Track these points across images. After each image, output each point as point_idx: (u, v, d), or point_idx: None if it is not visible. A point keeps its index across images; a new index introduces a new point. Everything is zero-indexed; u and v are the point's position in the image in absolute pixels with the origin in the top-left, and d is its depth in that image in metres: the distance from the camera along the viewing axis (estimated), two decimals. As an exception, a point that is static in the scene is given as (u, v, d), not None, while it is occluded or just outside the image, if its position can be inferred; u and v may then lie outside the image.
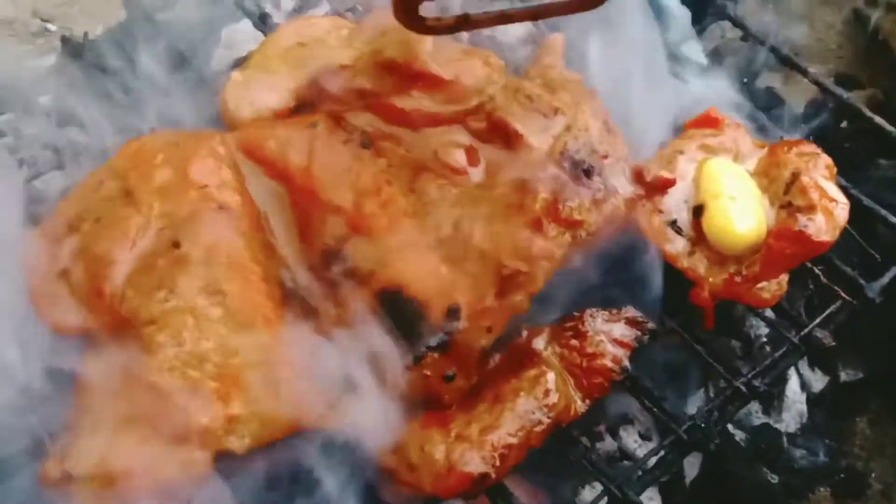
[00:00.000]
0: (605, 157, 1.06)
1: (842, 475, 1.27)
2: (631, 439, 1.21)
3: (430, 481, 0.93)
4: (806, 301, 1.22)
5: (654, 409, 1.04)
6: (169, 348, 0.89)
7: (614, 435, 1.21)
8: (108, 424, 0.87)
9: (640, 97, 1.17)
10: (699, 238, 1.06)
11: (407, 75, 1.06)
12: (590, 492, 1.13)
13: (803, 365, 1.28)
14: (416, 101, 1.07)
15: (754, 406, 1.24)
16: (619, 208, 1.04)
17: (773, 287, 1.05)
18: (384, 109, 1.06)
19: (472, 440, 0.94)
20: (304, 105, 1.08)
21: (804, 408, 1.27)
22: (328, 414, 0.90)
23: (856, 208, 1.11)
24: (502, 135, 1.06)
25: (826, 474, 1.26)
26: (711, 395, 1.20)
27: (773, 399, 1.21)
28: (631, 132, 1.13)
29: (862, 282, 1.12)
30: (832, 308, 1.11)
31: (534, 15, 0.98)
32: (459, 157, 1.04)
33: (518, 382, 0.97)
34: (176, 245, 0.95)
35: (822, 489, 1.26)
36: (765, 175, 1.10)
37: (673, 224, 1.07)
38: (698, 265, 1.06)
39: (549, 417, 0.96)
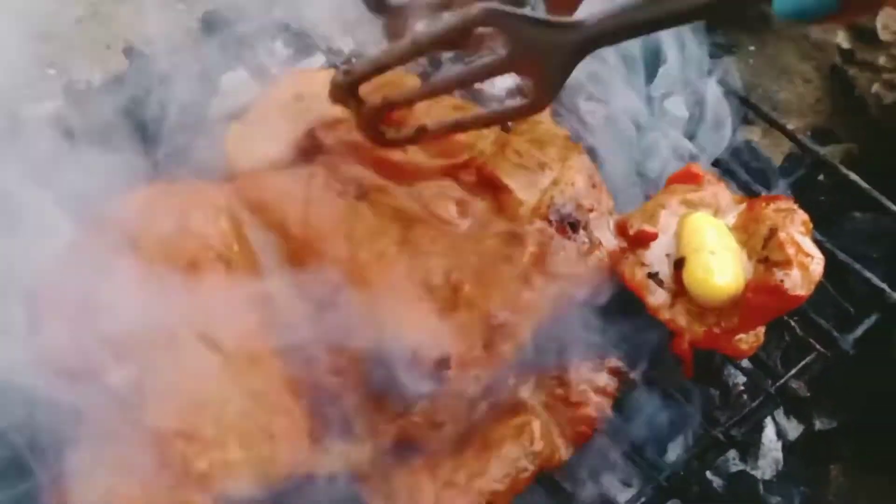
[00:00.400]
0: (591, 210, 1.10)
1: (817, 523, 1.31)
2: (612, 485, 1.23)
3: None
4: (782, 352, 1.25)
5: (635, 457, 1.06)
6: (168, 397, 0.91)
7: (595, 481, 1.24)
8: (108, 465, 0.89)
9: (622, 151, 1.22)
10: (680, 290, 1.10)
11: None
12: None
13: (779, 414, 1.32)
14: (409, 155, 1.11)
15: (731, 453, 1.26)
16: (603, 261, 1.08)
17: (751, 339, 1.09)
18: (378, 162, 1.10)
19: (459, 486, 0.96)
20: (302, 157, 1.11)
21: (780, 455, 1.30)
22: (323, 458, 0.93)
23: (831, 262, 1.15)
24: (491, 188, 1.09)
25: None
26: (690, 442, 1.23)
27: (749, 447, 1.24)
28: (614, 186, 1.17)
29: (836, 334, 1.16)
30: (807, 359, 1.14)
31: (486, 122, 1.06)
32: (451, 210, 1.08)
33: (505, 430, 1.00)
34: (175, 294, 0.97)
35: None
36: (744, 230, 1.13)
37: (655, 276, 1.10)
38: (679, 317, 1.09)
39: (534, 464, 0.99)
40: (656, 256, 1.12)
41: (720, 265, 1.09)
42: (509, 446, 0.99)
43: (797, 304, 1.08)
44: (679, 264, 1.10)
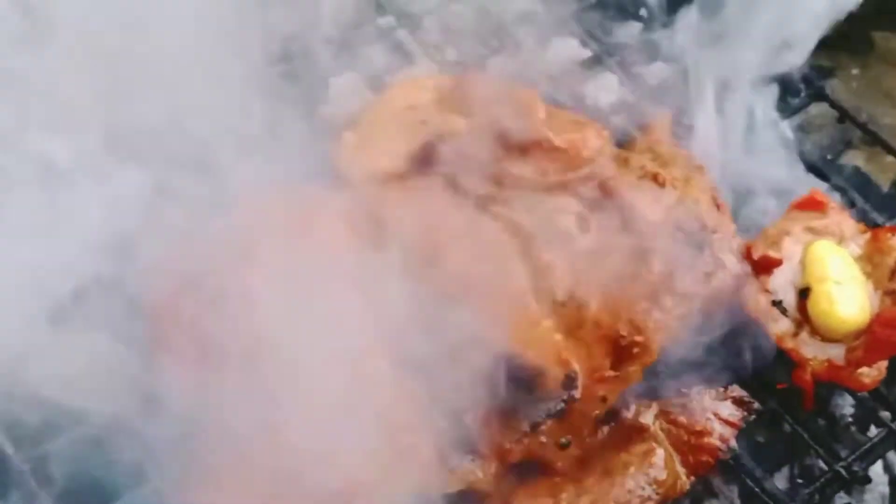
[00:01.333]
0: (714, 231, 1.07)
1: (925, 561, 1.27)
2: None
3: None
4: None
5: (756, 490, 1.04)
6: (295, 415, 0.89)
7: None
8: (235, 486, 0.88)
9: (742, 173, 1.19)
10: (803, 320, 1.07)
11: (522, 143, 1.07)
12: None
13: (887, 446, 1.28)
14: (530, 167, 1.08)
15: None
16: (728, 284, 1.05)
17: (874, 372, 1.06)
18: (498, 174, 1.07)
19: (582, 514, 0.94)
20: (417, 168, 1.09)
21: (886, 490, 1.26)
22: (450, 479, 0.92)
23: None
24: (614, 204, 1.07)
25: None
26: (796, 472, 1.20)
27: (866, 482, 1.21)
28: (736, 208, 1.15)
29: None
30: (930, 396, 1.11)
31: None
32: (571, 223, 1.05)
33: (627, 457, 0.98)
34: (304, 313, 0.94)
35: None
36: (868, 260, 1.12)
37: (778, 304, 1.08)
38: (802, 347, 1.06)
39: (657, 493, 0.97)
40: (780, 284, 1.10)
41: (845, 296, 1.07)
42: (633, 473, 0.97)
43: None
44: (804, 293, 1.08)
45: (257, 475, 0.88)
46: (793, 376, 1.07)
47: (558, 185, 1.08)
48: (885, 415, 1.13)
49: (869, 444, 1.09)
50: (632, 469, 0.97)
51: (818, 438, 1.11)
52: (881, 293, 1.08)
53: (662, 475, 0.97)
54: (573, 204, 1.07)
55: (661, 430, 1.01)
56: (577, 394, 0.95)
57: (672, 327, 1.01)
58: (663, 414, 1.02)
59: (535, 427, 0.95)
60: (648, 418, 1.01)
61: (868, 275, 1.10)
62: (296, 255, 0.99)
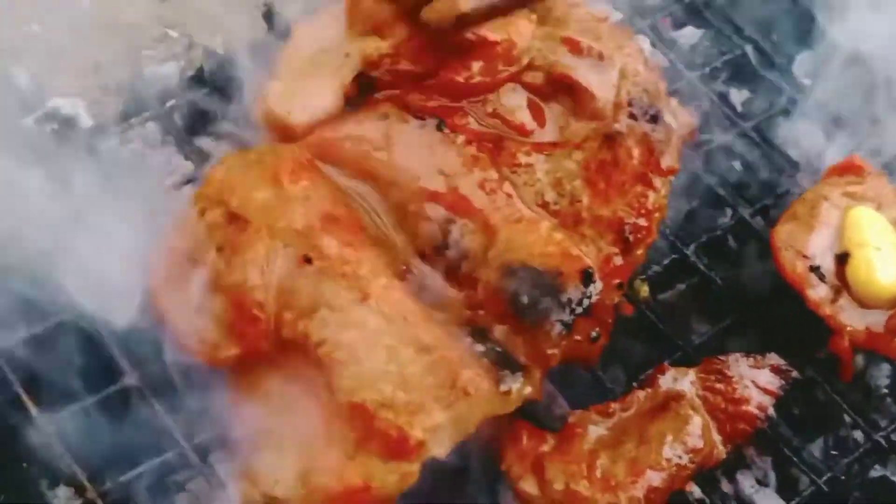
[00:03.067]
0: (658, 97, 1.06)
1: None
2: (748, 484, 1.19)
3: None
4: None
5: (794, 459, 1.02)
6: (352, 366, 0.87)
7: (731, 479, 1.19)
8: (297, 443, 0.87)
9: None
10: (842, 286, 1.05)
11: (453, 47, 1.04)
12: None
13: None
14: (470, 71, 1.04)
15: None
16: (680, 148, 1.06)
17: None
18: (443, 87, 1.04)
19: (618, 480, 0.92)
20: (357, 100, 1.05)
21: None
22: (507, 401, 0.90)
23: None
24: (564, 89, 1.05)
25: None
26: (830, 444, 1.18)
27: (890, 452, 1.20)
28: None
29: None
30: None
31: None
32: (528, 118, 1.03)
33: (663, 424, 0.96)
34: (308, 260, 0.93)
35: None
36: None
37: (816, 270, 1.06)
38: (840, 313, 1.04)
39: (693, 462, 0.95)
40: (818, 250, 1.07)
41: (885, 262, 1.05)
42: (669, 441, 0.95)
43: None
44: (842, 259, 1.05)
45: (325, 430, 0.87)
46: (830, 344, 1.04)
47: (505, 82, 1.04)
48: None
49: (906, 414, 1.07)
50: (668, 437, 0.95)
51: (855, 408, 1.09)
52: None
53: (699, 443, 0.95)
54: (525, 98, 1.04)
55: (698, 397, 0.99)
56: (597, 287, 0.94)
57: (665, 204, 1.02)
58: (700, 381, 1.00)
59: (567, 328, 0.93)
60: (685, 385, 0.99)
61: None
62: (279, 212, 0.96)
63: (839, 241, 1.07)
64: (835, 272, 1.06)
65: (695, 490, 1.09)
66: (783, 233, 1.08)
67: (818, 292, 1.05)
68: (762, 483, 1.18)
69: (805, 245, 1.07)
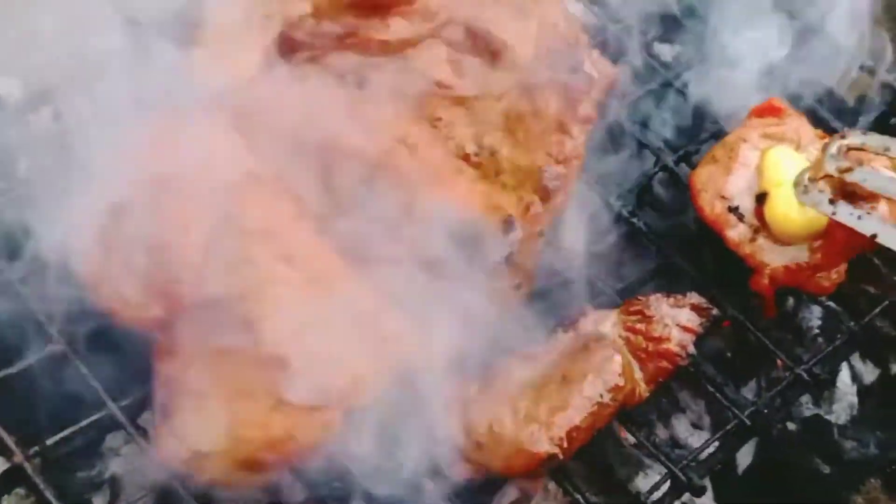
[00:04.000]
0: (577, 45, 1.09)
1: (893, 467, 1.27)
2: (683, 428, 1.21)
3: (498, 461, 0.93)
4: (863, 292, 1.21)
5: (717, 395, 1.03)
6: (274, 319, 0.89)
7: (666, 424, 1.21)
8: (221, 400, 0.88)
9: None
10: (761, 225, 1.07)
11: (372, 6, 1.07)
12: (643, 479, 1.13)
13: (854, 357, 1.28)
14: (391, 28, 1.07)
15: (805, 397, 1.23)
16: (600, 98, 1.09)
17: (833, 275, 1.06)
18: (362, 45, 1.06)
19: (540, 421, 0.94)
20: (278, 61, 1.06)
21: (855, 399, 1.27)
22: (430, 356, 0.92)
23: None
24: (483, 43, 1.06)
25: (877, 466, 1.26)
26: (763, 383, 1.20)
27: (830, 387, 1.21)
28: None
29: (921, 273, 1.12)
30: (893, 298, 1.11)
31: None
32: (449, 73, 1.05)
33: (586, 365, 0.97)
34: (231, 219, 0.94)
35: (873, 480, 1.26)
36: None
37: (735, 210, 1.07)
38: (759, 252, 1.06)
39: (615, 400, 0.96)
40: (737, 190, 1.09)
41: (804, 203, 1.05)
42: (591, 381, 0.96)
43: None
44: (760, 199, 1.07)
45: (252, 380, 0.89)
46: (751, 282, 1.06)
47: (425, 38, 1.06)
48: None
49: (830, 348, 1.09)
50: (589, 376, 0.96)
51: (781, 346, 1.10)
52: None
53: (620, 381, 0.97)
54: (445, 53, 1.06)
55: (620, 337, 1.00)
56: (517, 235, 0.96)
57: (583, 153, 1.05)
58: (622, 322, 1.01)
59: (490, 275, 0.95)
60: (607, 327, 1.01)
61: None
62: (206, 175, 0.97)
63: (758, 182, 1.08)
64: (753, 212, 1.07)
65: (628, 436, 1.11)
66: (702, 175, 1.10)
67: (737, 232, 1.07)
68: (697, 426, 1.20)
69: (723, 186, 1.08)
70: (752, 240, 1.06)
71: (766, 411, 1.03)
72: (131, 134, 1.00)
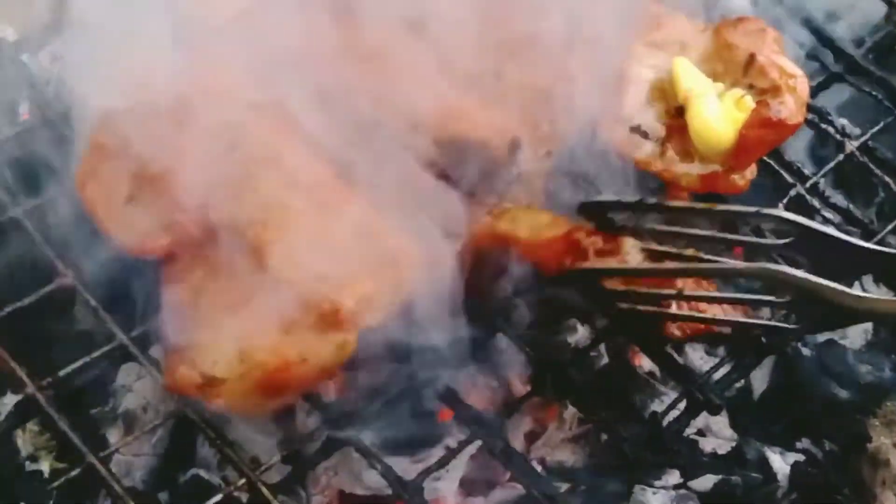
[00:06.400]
0: None
1: (909, 390, 1.27)
2: (697, 356, 1.20)
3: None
4: (876, 209, 1.21)
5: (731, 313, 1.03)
6: (281, 244, 0.88)
7: (679, 351, 1.21)
8: (233, 325, 0.87)
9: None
10: (668, 136, 1.03)
11: None
12: (658, 404, 1.12)
13: (868, 281, 1.27)
14: None
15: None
16: None
17: (747, 174, 1.03)
18: None
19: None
20: None
21: (868, 324, 1.26)
22: (439, 269, 0.91)
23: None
24: None
25: (893, 389, 1.25)
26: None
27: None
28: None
29: (935, 187, 1.12)
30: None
31: None
32: None
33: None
34: (235, 148, 0.93)
35: (889, 404, 1.25)
36: (718, 59, 1.05)
37: (637, 129, 1.03)
38: (672, 164, 1.02)
39: None
40: (635, 108, 1.04)
41: (724, 108, 1.01)
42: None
43: (794, 132, 1.02)
44: (680, 112, 1.02)
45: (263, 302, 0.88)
46: (668, 195, 1.04)
47: None
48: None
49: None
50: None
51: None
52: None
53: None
54: None
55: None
56: (525, 155, 0.96)
57: (592, 73, 1.00)
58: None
59: (500, 198, 0.95)
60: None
61: (720, 75, 1.04)
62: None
63: (668, 96, 1.04)
64: (666, 126, 1.03)
65: (644, 362, 1.11)
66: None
67: (645, 151, 1.03)
68: (711, 354, 1.19)
69: (618, 109, 1.04)
70: (662, 153, 1.02)
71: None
72: (131, 65, 0.99)
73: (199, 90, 0.97)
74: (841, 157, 1.16)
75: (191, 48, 1.00)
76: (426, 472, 0.94)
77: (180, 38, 1.03)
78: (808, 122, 1.10)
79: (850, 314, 0.94)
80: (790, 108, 0.99)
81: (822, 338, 1.24)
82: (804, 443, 1.17)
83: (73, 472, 0.89)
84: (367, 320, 0.88)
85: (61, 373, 0.94)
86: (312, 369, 0.88)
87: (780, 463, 1.14)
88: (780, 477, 1.13)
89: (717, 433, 1.15)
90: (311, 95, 0.97)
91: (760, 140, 1.00)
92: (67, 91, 1.11)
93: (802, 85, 1.02)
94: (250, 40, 1.01)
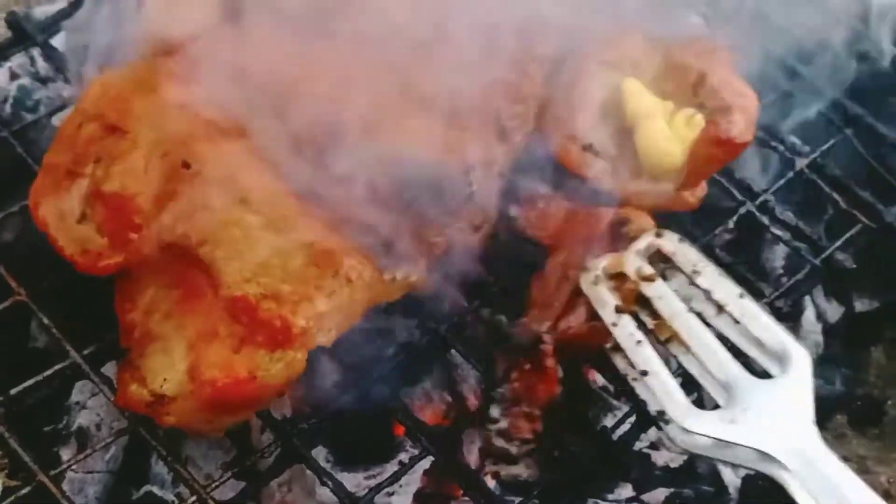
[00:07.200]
0: None
1: (858, 403, 1.29)
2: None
3: None
4: (825, 226, 1.22)
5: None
6: (233, 262, 0.88)
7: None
8: (183, 343, 0.88)
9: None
10: (619, 156, 1.04)
11: None
12: (611, 420, 1.13)
13: (819, 295, 1.29)
14: None
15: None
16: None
17: (698, 192, 1.04)
18: None
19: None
20: (234, 12, 1.05)
21: (820, 338, 1.28)
22: (391, 287, 0.93)
23: (869, 134, 1.15)
24: None
25: (843, 403, 1.27)
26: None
27: (794, 320, 1.22)
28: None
29: (880, 206, 1.14)
30: (852, 231, 1.13)
31: None
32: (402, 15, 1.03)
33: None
34: (186, 166, 0.93)
35: (839, 417, 1.27)
36: (669, 78, 1.06)
37: (589, 148, 1.04)
38: (624, 183, 1.03)
39: None
40: (586, 127, 1.04)
41: (674, 129, 1.02)
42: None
43: (742, 151, 1.03)
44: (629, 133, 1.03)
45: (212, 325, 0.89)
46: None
47: None
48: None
49: (792, 281, 1.09)
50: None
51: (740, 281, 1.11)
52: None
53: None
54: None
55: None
56: (477, 176, 0.96)
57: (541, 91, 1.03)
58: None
59: (451, 216, 0.95)
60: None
61: (670, 94, 1.05)
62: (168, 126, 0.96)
63: (619, 116, 1.05)
64: (612, 144, 1.04)
65: (597, 379, 1.11)
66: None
67: (596, 169, 1.03)
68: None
69: (572, 126, 1.04)
70: (614, 172, 1.03)
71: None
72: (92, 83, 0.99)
73: (153, 108, 0.97)
74: (791, 174, 1.16)
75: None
76: (377, 489, 0.94)
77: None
78: (758, 140, 1.11)
79: None
80: (740, 126, 1.01)
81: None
82: (756, 455, 1.18)
83: (24, 491, 0.89)
84: (319, 339, 0.88)
85: (13, 391, 0.93)
86: (262, 387, 0.87)
87: (731, 476, 1.15)
88: (731, 490, 1.15)
89: (668, 447, 1.16)
90: (265, 111, 0.98)
91: (710, 158, 1.02)
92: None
93: (752, 104, 1.03)
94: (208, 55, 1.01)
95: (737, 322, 0.92)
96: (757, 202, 1.14)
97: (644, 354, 0.89)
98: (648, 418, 0.97)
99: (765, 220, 1.14)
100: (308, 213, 0.93)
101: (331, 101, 0.98)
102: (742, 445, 0.84)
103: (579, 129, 1.05)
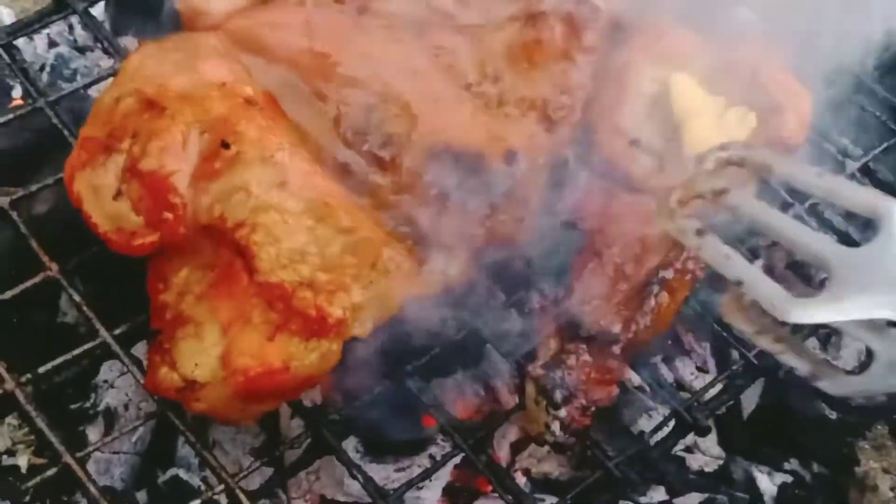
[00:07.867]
0: None
1: (899, 413, 1.26)
2: (687, 371, 1.19)
3: None
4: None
5: (724, 334, 1.01)
6: (269, 247, 0.86)
7: (671, 367, 1.20)
8: (216, 327, 0.86)
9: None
10: (666, 153, 1.00)
11: None
12: (647, 421, 1.11)
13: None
14: None
15: (812, 342, 1.21)
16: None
17: None
18: None
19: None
20: None
21: (862, 345, 1.24)
22: (429, 279, 0.90)
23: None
24: None
25: (883, 412, 1.24)
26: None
27: (830, 336, 1.20)
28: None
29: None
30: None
31: None
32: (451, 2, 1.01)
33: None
34: (225, 146, 0.91)
35: (879, 427, 1.24)
36: (721, 75, 1.02)
37: (636, 143, 1.00)
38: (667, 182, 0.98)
39: None
40: (634, 122, 1.01)
41: (723, 128, 0.99)
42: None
43: (795, 151, 0.99)
44: (679, 129, 0.99)
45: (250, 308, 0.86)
46: None
47: None
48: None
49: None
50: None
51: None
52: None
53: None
54: None
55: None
56: (521, 167, 0.93)
57: (588, 84, 1.00)
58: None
59: (492, 208, 0.92)
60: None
61: (720, 91, 1.01)
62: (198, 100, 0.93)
63: (668, 113, 1.01)
64: (661, 140, 1.00)
65: (633, 378, 1.09)
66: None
67: (642, 165, 0.99)
68: (702, 370, 1.18)
69: (619, 119, 1.01)
70: (661, 170, 0.99)
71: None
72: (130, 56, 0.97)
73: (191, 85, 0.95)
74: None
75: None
76: (408, 484, 0.92)
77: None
78: (808, 141, 1.08)
79: None
80: (791, 126, 0.98)
81: (815, 358, 1.22)
82: (792, 463, 1.16)
83: (49, 473, 0.87)
84: (354, 330, 0.86)
85: (41, 369, 0.92)
86: (295, 378, 0.86)
87: (768, 483, 1.13)
88: (766, 497, 1.13)
89: (704, 451, 1.14)
90: (305, 93, 0.95)
91: None
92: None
93: (805, 103, 1.00)
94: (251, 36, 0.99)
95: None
96: (806, 205, 1.11)
97: (735, 266, 0.84)
98: (687, 426, 0.95)
99: (813, 222, 1.10)
100: (347, 201, 0.91)
101: (372, 84, 0.96)
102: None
103: (626, 123, 1.01)
